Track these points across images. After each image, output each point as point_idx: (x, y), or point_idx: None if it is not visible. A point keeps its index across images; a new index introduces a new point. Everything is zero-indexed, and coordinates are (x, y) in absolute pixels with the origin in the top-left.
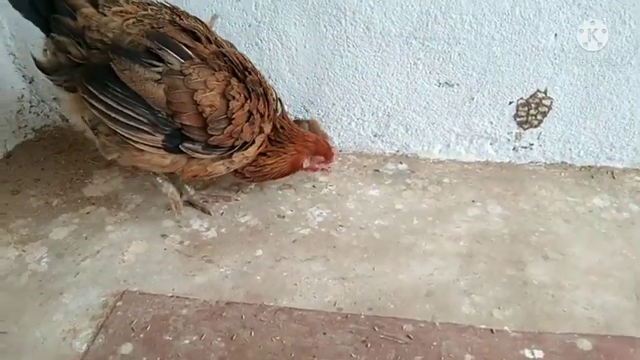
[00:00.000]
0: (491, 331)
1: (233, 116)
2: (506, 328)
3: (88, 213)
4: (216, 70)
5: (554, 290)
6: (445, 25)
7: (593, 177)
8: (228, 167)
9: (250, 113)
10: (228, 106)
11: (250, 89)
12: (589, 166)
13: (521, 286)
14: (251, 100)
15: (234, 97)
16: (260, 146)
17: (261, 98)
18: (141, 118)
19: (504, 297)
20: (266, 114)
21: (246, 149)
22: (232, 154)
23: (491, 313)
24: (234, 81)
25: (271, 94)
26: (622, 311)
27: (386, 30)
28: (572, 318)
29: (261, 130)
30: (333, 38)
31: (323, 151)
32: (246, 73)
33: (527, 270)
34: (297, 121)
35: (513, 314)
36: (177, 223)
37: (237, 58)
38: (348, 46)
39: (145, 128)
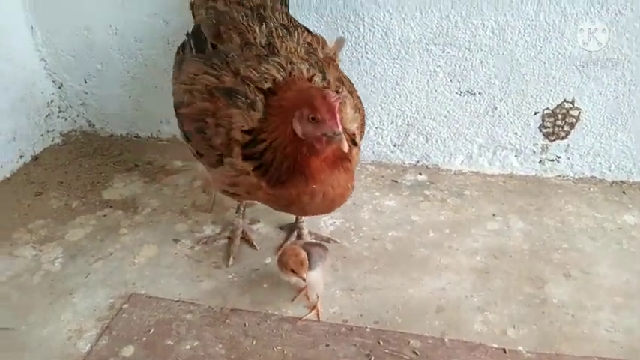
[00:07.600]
0: (504, 350)
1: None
2: (520, 348)
3: (105, 216)
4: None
5: (574, 310)
6: (466, 31)
7: (624, 193)
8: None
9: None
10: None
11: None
12: (620, 182)
13: (539, 305)
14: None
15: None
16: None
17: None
18: None
19: (520, 315)
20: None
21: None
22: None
23: (504, 332)
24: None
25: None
26: None
27: (405, 36)
28: (593, 340)
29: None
30: (351, 45)
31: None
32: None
33: (546, 288)
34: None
35: (529, 334)
36: (190, 228)
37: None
38: (367, 52)
39: None
